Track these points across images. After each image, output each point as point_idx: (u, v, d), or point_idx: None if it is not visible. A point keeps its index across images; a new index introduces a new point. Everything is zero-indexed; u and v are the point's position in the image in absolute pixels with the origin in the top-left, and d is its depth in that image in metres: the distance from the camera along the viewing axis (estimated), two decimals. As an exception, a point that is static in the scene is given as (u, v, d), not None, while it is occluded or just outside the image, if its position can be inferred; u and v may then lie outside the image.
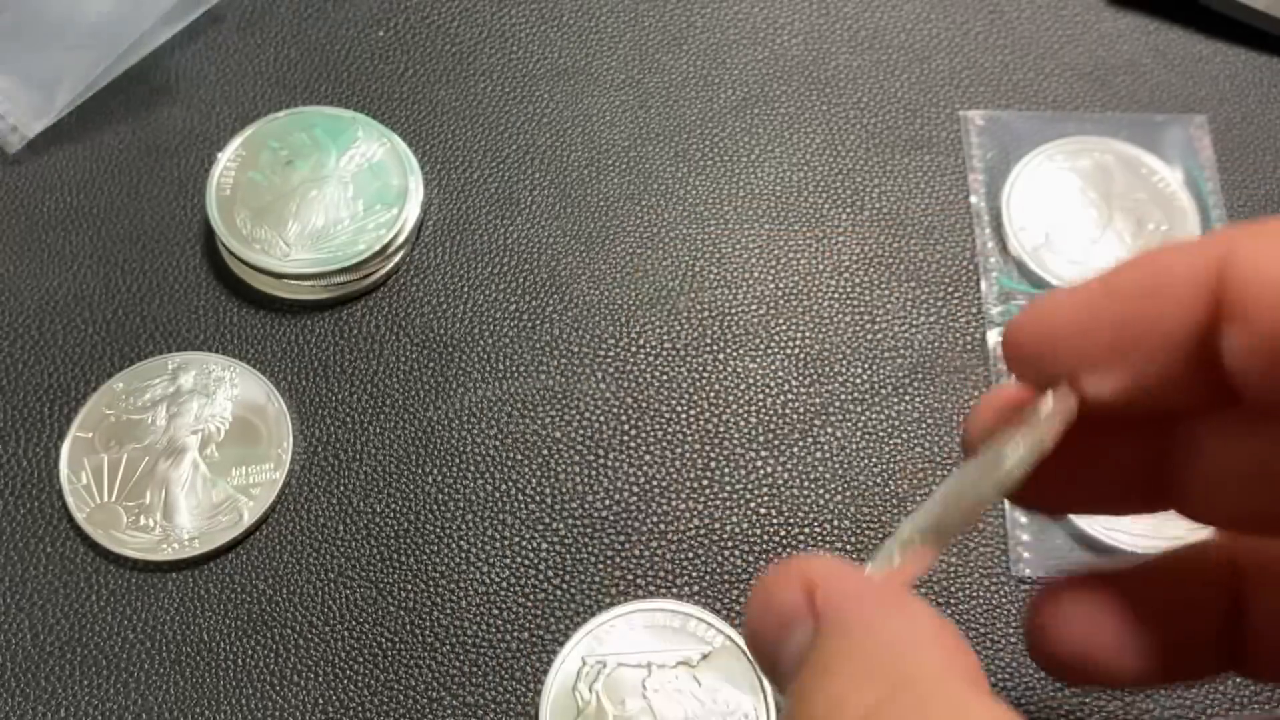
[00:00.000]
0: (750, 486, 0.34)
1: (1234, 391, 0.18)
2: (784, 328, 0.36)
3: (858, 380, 0.35)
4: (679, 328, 0.36)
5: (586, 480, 0.34)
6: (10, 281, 0.37)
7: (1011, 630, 0.32)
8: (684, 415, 0.35)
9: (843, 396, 0.35)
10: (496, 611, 0.32)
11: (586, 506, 0.34)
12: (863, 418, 0.35)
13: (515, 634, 0.32)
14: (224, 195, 0.37)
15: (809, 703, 0.17)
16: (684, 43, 0.41)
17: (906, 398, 0.35)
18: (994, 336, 0.36)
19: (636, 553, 0.33)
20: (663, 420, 0.35)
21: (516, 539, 0.33)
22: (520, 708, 0.31)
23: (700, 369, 0.36)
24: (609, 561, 0.33)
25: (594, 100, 0.40)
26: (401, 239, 0.36)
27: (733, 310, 0.36)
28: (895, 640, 0.17)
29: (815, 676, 0.17)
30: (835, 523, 0.33)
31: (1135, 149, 0.38)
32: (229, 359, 0.35)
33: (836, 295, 0.37)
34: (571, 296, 0.37)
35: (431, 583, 0.33)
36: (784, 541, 0.33)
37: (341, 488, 0.34)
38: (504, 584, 0.33)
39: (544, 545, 0.33)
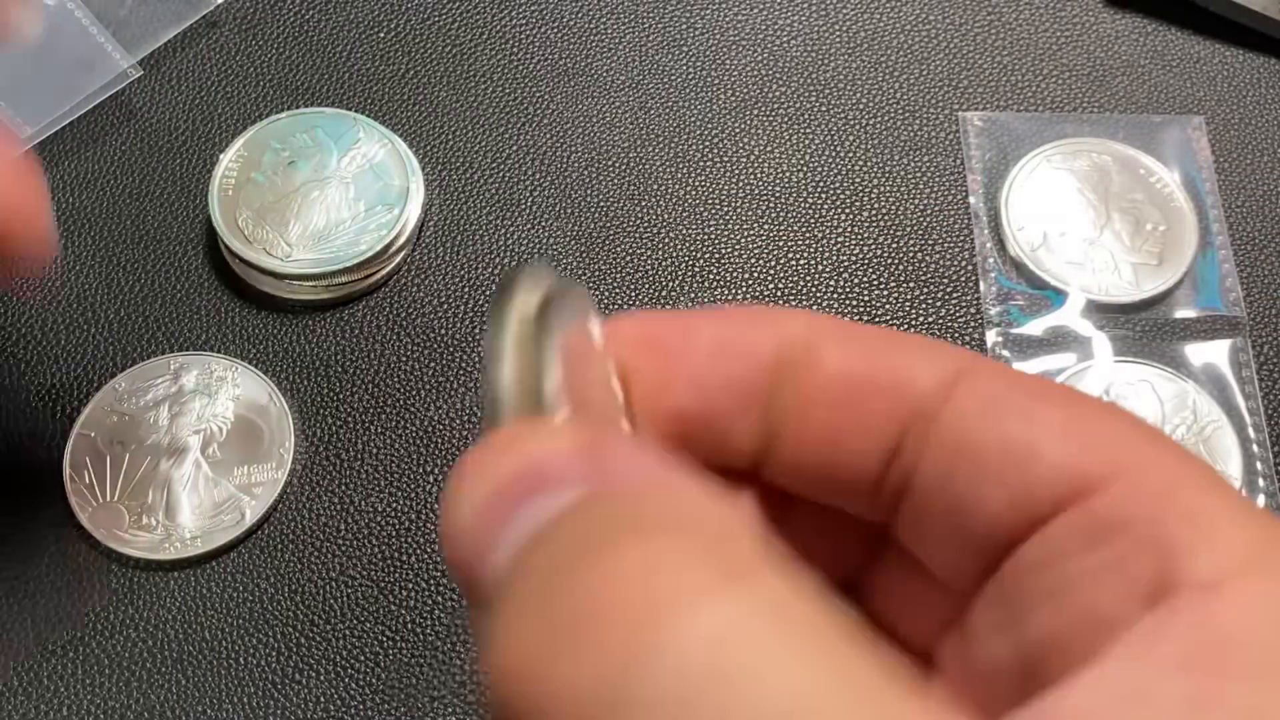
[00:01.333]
0: (750, 486, 0.34)
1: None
2: (783, 328, 0.36)
3: (857, 380, 0.35)
4: (679, 328, 0.36)
5: (587, 480, 0.34)
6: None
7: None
8: (684, 415, 0.35)
9: (842, 396, 0.35)
10: (497, 610, 0.33)
11: (587, 506, 0.34)
12: (862, 417, 0.35)
13: (516, 633, 0.32)
14: (226, 196, 0.37)
15: (559, 592, 0.12)
16: (684, 45, 0.41)
17: (905, 397, 0.35)
18: (993, 336, 0.36)
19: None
20: (663, 420, 0.35)
21: (517, 538, 0.33)
22: (521, 706, 0.32)
23: (700, 369, 0.36)
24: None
25: (594, 102, 0.40)
26: (402, 239, 0.37)
27: (732, 310, 0.36)
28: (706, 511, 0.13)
29: (576, 555, 0.12)
30: (834, 522, 0.34)
31: (1133, 150, 0.38)
32: (231, 359, 0.35)
33: (836, 295, 0.37)
34: (572, 297, 0.37)
35: (433, 582, 0.33)
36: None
37: (343, 487, 0.34)
38: (505, 583, 0.33)
39: (544, 544, 0.33)
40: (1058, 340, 0.36)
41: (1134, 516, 0.15)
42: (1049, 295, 0.36)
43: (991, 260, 0.37)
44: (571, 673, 0.11)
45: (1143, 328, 0.36)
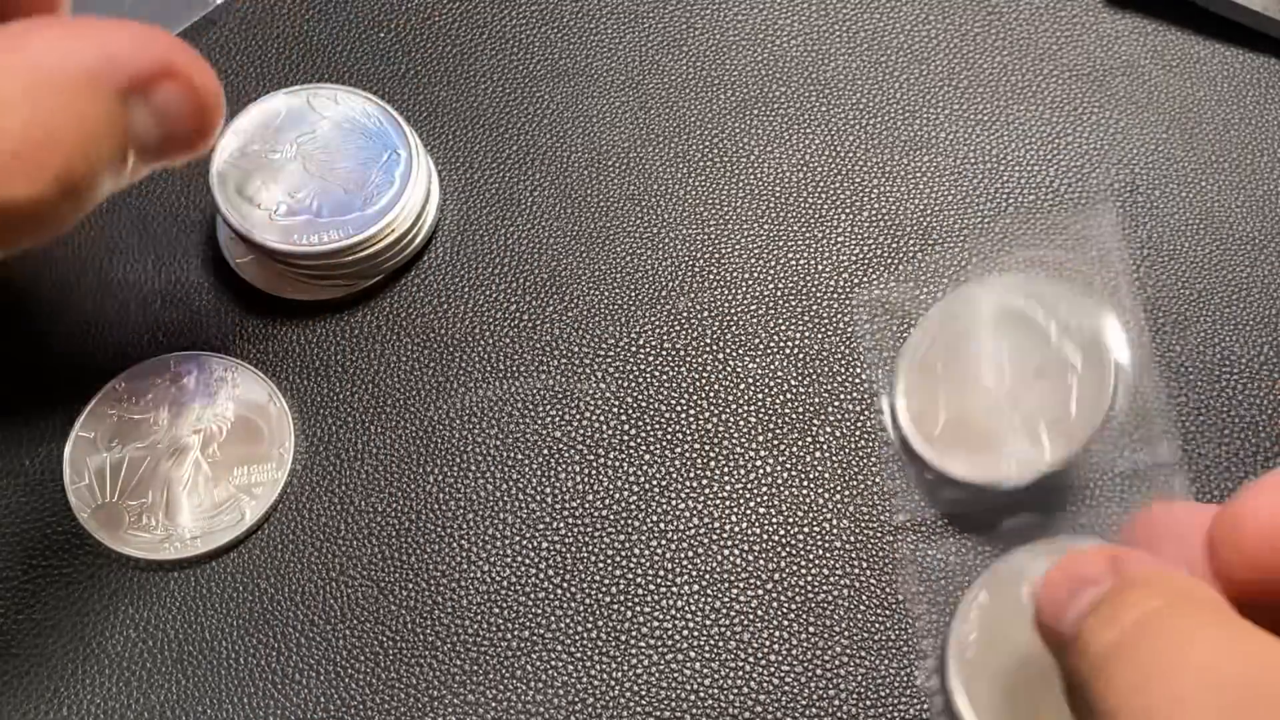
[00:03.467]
0: (750, 486, 0.34)
1: None
2: (784, 328, 0.36)
3: (857, 380, 0.35)
4: (679, 328, 0.36)
5: (586, 480, 0.34)
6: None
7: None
8: (684, 415, 0.35)
9: (842, 396, 0.35)
10: (497, 611, 0.33)
11: (586, 506, 0.34)
12: (862, 417, 0.35)
13: (515, 633, 0.32)
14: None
15: (1105, 626, 0.21)
16: (684, 44, 0.41)
17: (905, 398, 0.35)
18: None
19: (636, 552, 0.33)
20: (663, 420, 0.35)
21: (516, 539, 0.33)
22: (521, 706, 0.32)
23: (700, 369, 0.36)
24: (609, 561, 0.33)
25: (594, 101, 0.40)
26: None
27: (733, 310, 0.36)
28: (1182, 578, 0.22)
29: (1110, 609, 0.21)
30: (835, 522, 0.34)
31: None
32: (230, 359, 0.35)
33: (836, 295, 0.37)
34: (572, 297, 0.37)
35: (432, 582, 0.33)
36: (784, 541, 0.33)
37: (343, 487, 0.34)
38: (504, 584, 0.33)
39: (544, 545, 0.33)
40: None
41: None
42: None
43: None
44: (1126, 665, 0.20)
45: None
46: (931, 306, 0.34)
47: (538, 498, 0.34)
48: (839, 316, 0.36)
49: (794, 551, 0.33)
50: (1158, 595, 0.21)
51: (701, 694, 0.32)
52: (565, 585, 0.33)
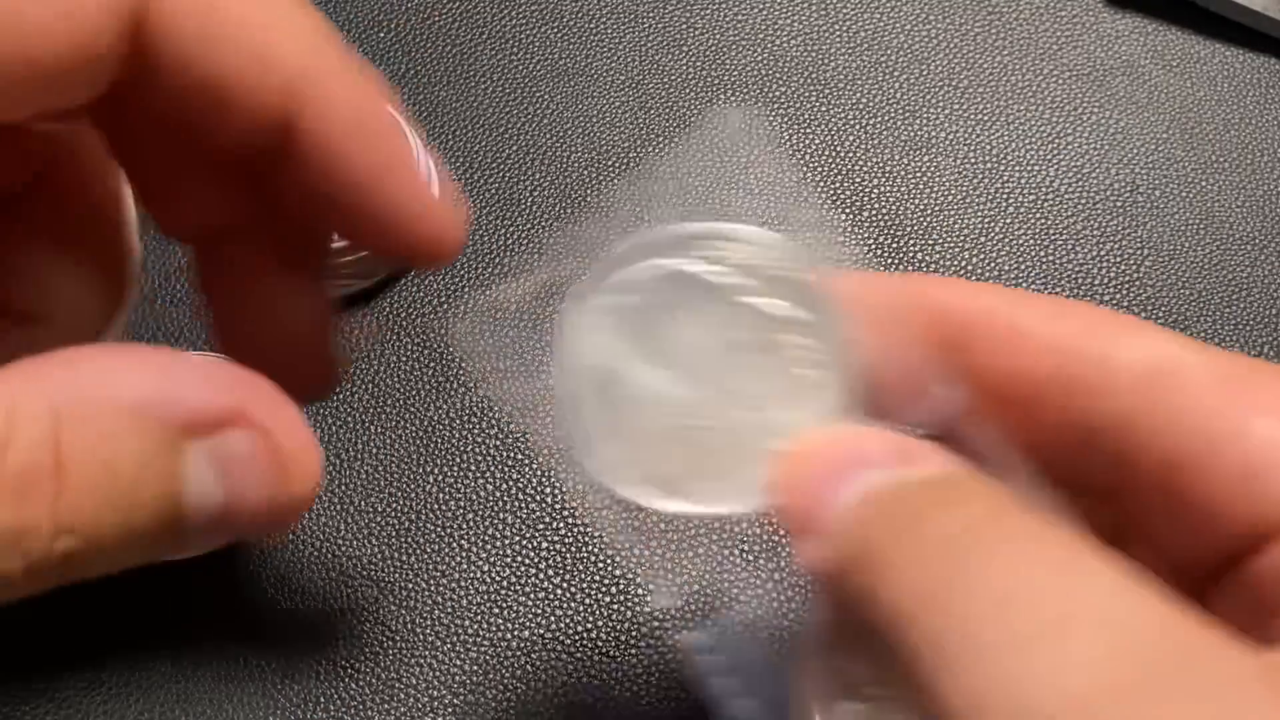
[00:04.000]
0: (750, 486, 0.34)
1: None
2: (783, 328, 0.36)
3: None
4: (679, 328, 0.36)
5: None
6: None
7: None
8: (684, 415, 0.35)
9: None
10: (497, 611, 0.33)
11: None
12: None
13: (515, 633, 0.32)
14: None
15: (912, 535, 0.17)
16: (684, 44, 0.41)
17: (905, 398, 0.35)
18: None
19: (636, 552, 0.33)
20: (663, 420, 0.35)
21: (516, 539, 0.33)
22: (521, 706, 0.32)
23: (700, 369, 0.36)
24: (609, 561, 0.33)
25: (594, 101, 0.40)
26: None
27: (732, 311, 0.36)
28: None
29: (917, 511, 0.17)
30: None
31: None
32: (230, 359, 0.35)
33: (836, 296, 0.37)
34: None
35: (432, 582, 0.33)
36: (784, 540, 0.33)
37: (342, 487, 0.34)
38: (504, 584, 0.33)
39: (544, 545, 0.33)
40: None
41: None
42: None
43: (992, 260, 0.37)
44: (918, 573, 0.16)
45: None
46: (569, 307, 0.25)
47: (538, 498, 0.34)
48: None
49: (792, 551, 0.33)
50: (978, 501, 0.17)
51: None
52: (565, 585, 0.33)
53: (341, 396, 0.35)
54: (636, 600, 0.33)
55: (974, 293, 0.21)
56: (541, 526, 0.34)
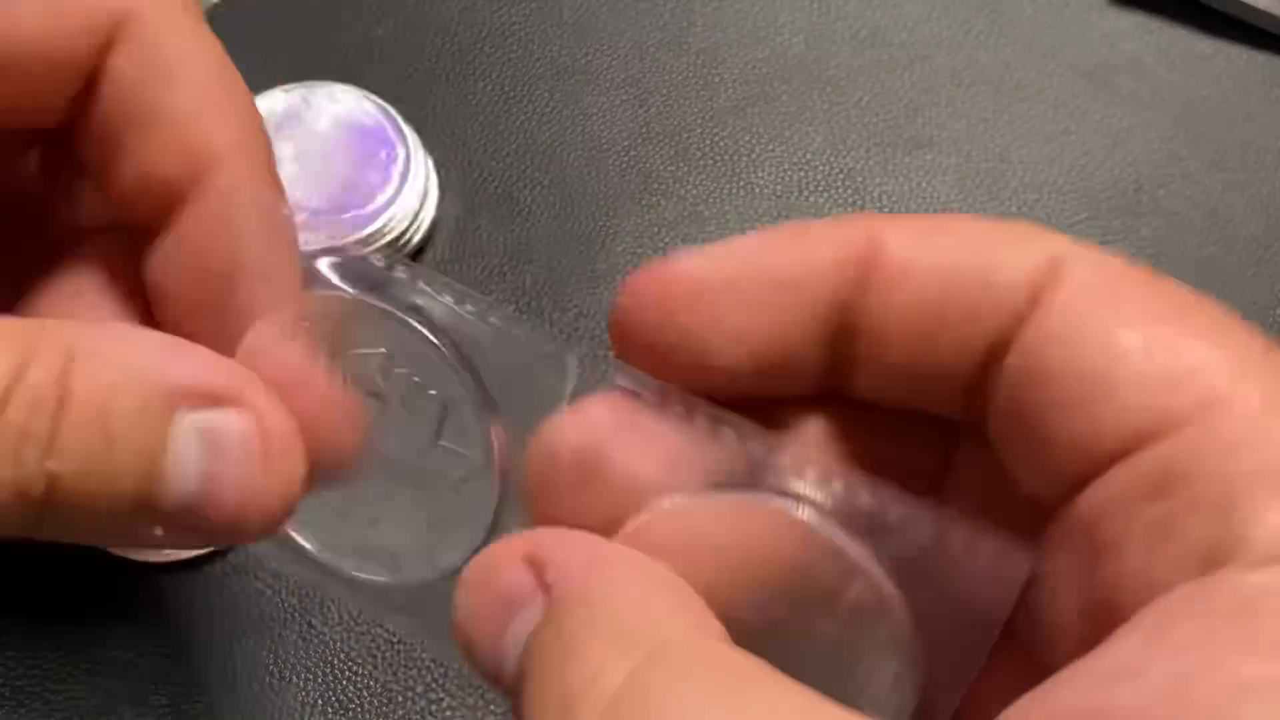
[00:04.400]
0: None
1: (848, 381, 0.18)
2: (784, 328, 0.36)
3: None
4: (679, 328, 0.36)
5: (586, 481, 0.34)
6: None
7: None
8: (684, 416, 0.35)
9: (843, 397, 0.35)
10: (496, 613, 0.32)
11: (586, 507, 0.34)
12: (863, 418, 0.35)
13: (514, 635, 0.32)
14: None
15: (551, 687, 0.15)
16: (684, 42, 0.41)
17: (907, 398, 0.35)
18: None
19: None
20: (663, 421, 0.35)
21: (516, 540, 0.33)
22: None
23: (700, 369, 0.35)
24: (609, 563, 0.33)
25: (593, 99, 0.40)
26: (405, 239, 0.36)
27: (733, 310, 0.36)
28: (642, 602, 0.16)
29: (557, 658, 0.15)
30: (836, 524, 0.33)
31: None
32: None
33: (837, 295, 0.37)
34: (569, 296, 0.37)
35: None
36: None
37: (340, 488, 0.34)
38: (503, 585, 0.33)
39: (543, 546, 0.33)
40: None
41: (1199, 470, 0.15)
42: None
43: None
44: None
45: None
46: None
47: (537, 499, 0.34)
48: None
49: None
50: (628, 649, 0.15)
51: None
52: (564, 587, 0.33)
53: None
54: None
55: (846, 235, 0.18)
56: (540, 528, 0.33)
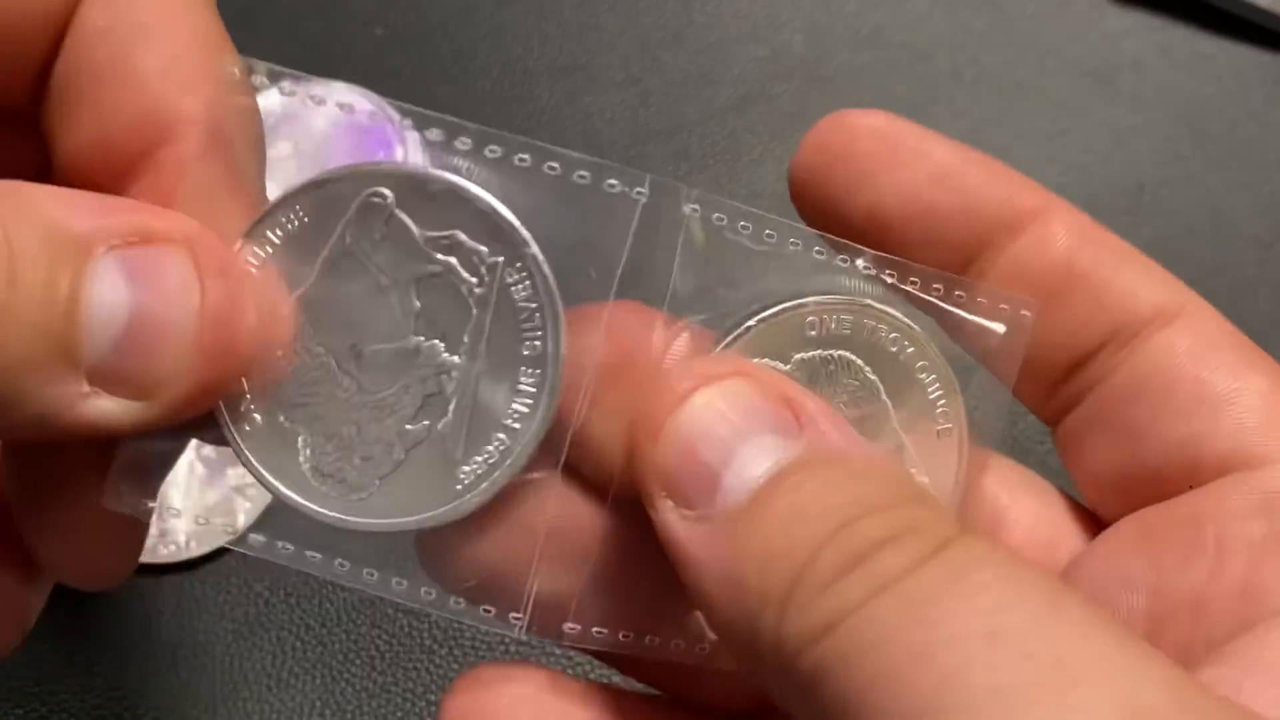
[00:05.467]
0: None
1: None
2: (785, 328, 0.36)
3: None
4: (679, 328, 0.36)
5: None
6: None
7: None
8: (684, 416, 0.35)
9: (844, 397, 0.35)
10: (495, 614, 0.32)
11: (586, 508, 0.34)
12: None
13: (513, 636, 0.32)
14: None
15: (824, 518, 0.15)
16: (684, 40, 0.41)
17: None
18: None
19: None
20: (663, 421, 0.35)
21: (515, 541, 0.33)
22: (519, 711, 0.31)
23: (701, 369, 0.35)
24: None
25: (593, 98, 0.40)
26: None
27: (733, 310, 0.36)
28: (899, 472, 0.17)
29: (844, 503, 0.15)
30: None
31: None
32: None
33: (838, 295, 0.36)
34: (568, 296, 0.36)
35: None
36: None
37: (339, 489, 0.34)
38: (502, 586, 0.33)
39: (543, 547, 0.33)
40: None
41: None
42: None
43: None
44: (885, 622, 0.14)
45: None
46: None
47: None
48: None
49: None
50: (913, 538, 0.14)
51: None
52: (564, 588, 0.33)
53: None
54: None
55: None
56: (540, 529, 0.33)
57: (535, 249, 0.18)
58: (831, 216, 0.20)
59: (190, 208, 0.18)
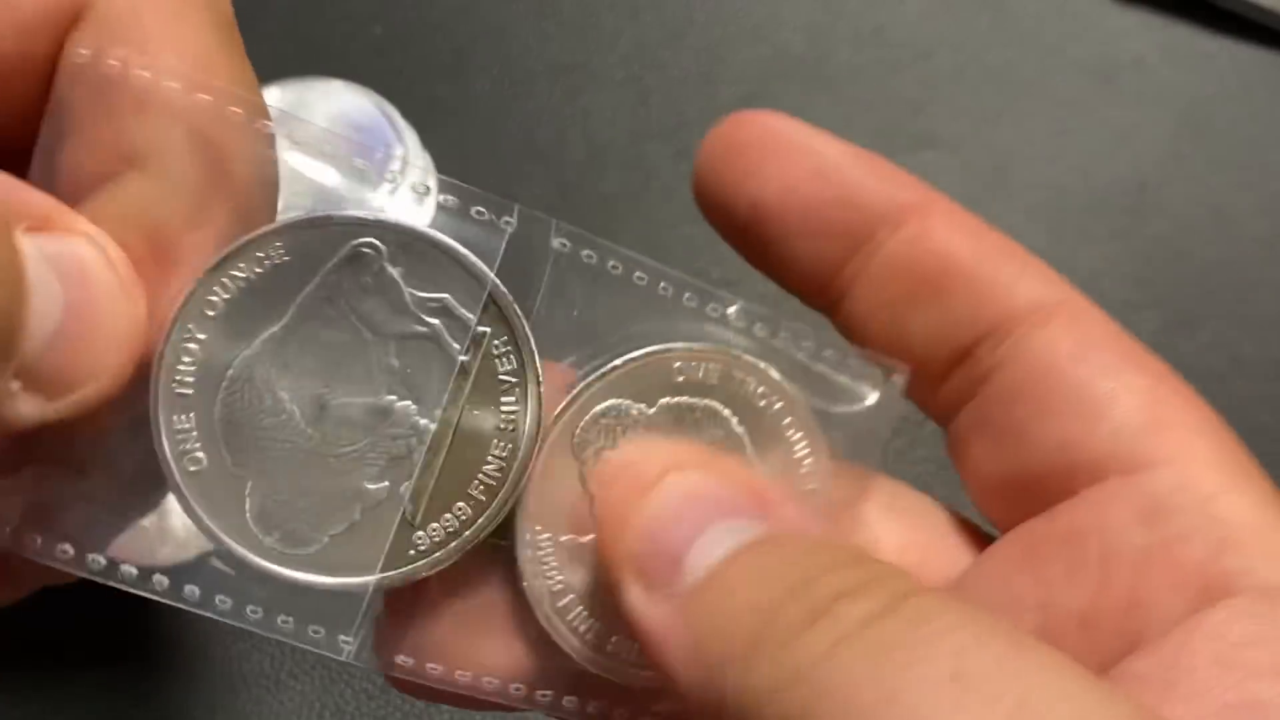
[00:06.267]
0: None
1: None
2: (786, 327, 0.36)
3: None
4: (679, 327, 0.36)
5: (586, 482, 0.34)
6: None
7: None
8: (684, 416, 0.35)
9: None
10: (494, 615, 0.32)
11: (586, 508, 0.34)
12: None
13: (513, 638, 0.32)
14: None
15: (796, 605, 0.14)
16: (684, 39, 0.41)
17: (909, 399, 0.35)
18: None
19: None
20: (663, 421, 0.35)
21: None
22: (519, 713, 0.31)
23: (701, 369, 0.35)
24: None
25: (593, 97, 0.40)
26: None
27: (734, 310, 0.36)
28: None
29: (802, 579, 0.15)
30: (837, 525, 0.33)
31: None
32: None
33: (839, 295, 0.36)
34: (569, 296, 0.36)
35: (429, 586, 0.33)
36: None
37: (338, 489, 0.34)
38: (502, 587, 0.33)
39: (542, 548, 0.33)
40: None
41: (1187, 505, 0.17)
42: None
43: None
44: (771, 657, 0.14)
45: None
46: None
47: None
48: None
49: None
50: (873, 591, 0.14)
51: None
52: (563, 589, 0.33)
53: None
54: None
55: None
56: (540, 529, 0.33)
57: (526, 327, 0.18)
58: (720, 210, 0.21)
59: (127, 221, 0.17)
